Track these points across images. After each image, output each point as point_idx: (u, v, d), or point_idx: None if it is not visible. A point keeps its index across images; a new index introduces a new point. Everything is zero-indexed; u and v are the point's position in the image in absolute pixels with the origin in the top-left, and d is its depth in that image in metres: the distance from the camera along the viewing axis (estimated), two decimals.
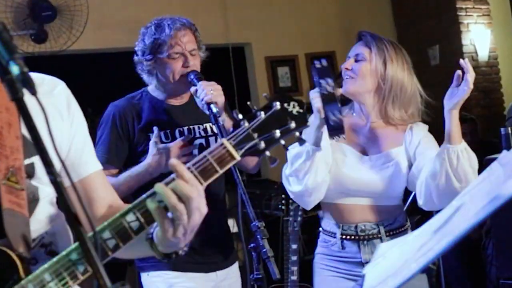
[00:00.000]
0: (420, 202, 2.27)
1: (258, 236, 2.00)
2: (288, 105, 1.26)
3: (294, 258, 3.48)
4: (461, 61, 2.10)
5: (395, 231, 2.31)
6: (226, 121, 2.26)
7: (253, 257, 2.05)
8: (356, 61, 2.32)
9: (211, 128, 2.54)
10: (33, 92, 0.85)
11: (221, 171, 1.20)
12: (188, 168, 1.17)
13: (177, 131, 2.49)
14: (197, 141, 2.50)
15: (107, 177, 2.42)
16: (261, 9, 6.01)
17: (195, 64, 2.44)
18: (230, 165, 1.20)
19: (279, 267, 2.05)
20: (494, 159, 1.15)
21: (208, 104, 2.24)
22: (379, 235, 2.29)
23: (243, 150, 1.20)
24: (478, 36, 5.91)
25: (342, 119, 2.04)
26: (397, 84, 2.29)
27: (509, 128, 3.05)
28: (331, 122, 2.04)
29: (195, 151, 2.42)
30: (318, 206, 2.77)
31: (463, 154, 2.15)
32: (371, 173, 2.29)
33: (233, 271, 2.58)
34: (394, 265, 1.18)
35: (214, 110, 2.22)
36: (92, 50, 5.55)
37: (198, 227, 1.19)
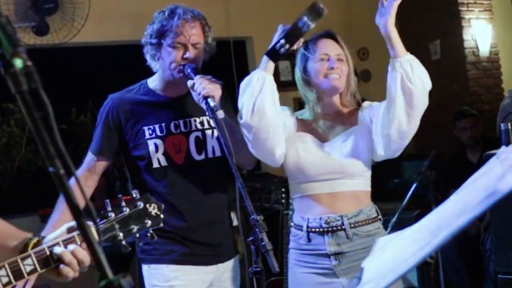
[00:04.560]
0: (381, 151, 2.33)
1: (257, 230, 2.01)
2: (150, 206, 1.51)
3: None
4: None
5: (360, 223, 2.34)
6: (223, 115, 2.24)
7: (252, 250, 2.06)
8: (339, 60, 2.41)
9: (208, 122, 2.54)
10: (37, 86, 0.86)
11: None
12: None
13: (172, 124, 2.48)
14: (194, 134, 2.51)
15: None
16: (263, 3, 6.00)
17: (195, 57, 2.43)
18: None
19: (278, 260, 2.05)
20: (494, 154, 1.16)
21: (205, 98, 2.25)
22: (343, 227, 2.32)
23: (104, 238, 1.45)
24: (479, 31, 5.90)
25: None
26: (352, 79, 2.47)
27: (509, 124, 3.06)
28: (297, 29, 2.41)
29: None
30: None
31: (414, 61, 2.25)
32: (331, 154, 2.35)
33: (234, 264, 2.60)
34: (392, 259, 1.19)
35: (212, 104, 2.22)
36: (94, 43, 5.54)
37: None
